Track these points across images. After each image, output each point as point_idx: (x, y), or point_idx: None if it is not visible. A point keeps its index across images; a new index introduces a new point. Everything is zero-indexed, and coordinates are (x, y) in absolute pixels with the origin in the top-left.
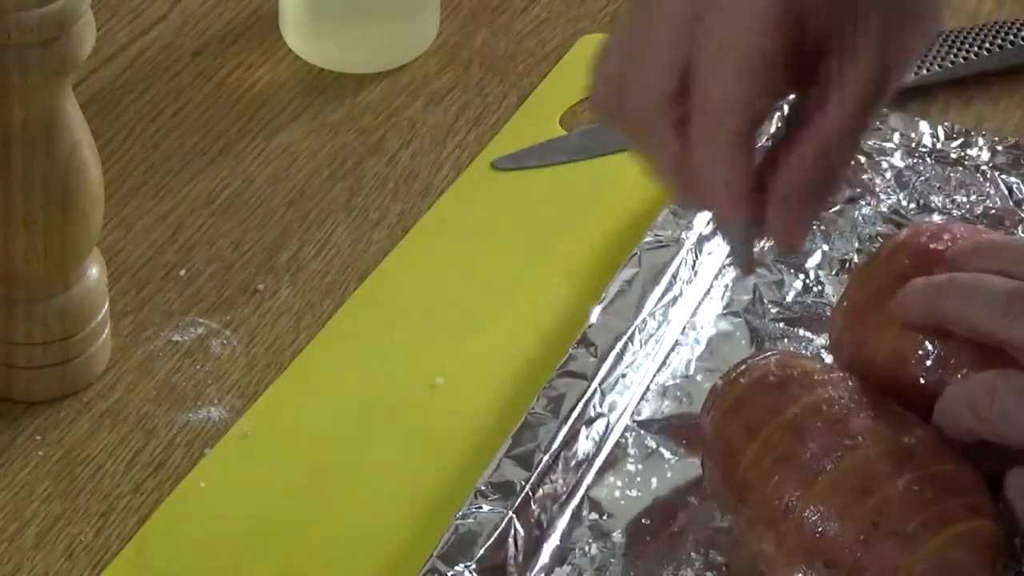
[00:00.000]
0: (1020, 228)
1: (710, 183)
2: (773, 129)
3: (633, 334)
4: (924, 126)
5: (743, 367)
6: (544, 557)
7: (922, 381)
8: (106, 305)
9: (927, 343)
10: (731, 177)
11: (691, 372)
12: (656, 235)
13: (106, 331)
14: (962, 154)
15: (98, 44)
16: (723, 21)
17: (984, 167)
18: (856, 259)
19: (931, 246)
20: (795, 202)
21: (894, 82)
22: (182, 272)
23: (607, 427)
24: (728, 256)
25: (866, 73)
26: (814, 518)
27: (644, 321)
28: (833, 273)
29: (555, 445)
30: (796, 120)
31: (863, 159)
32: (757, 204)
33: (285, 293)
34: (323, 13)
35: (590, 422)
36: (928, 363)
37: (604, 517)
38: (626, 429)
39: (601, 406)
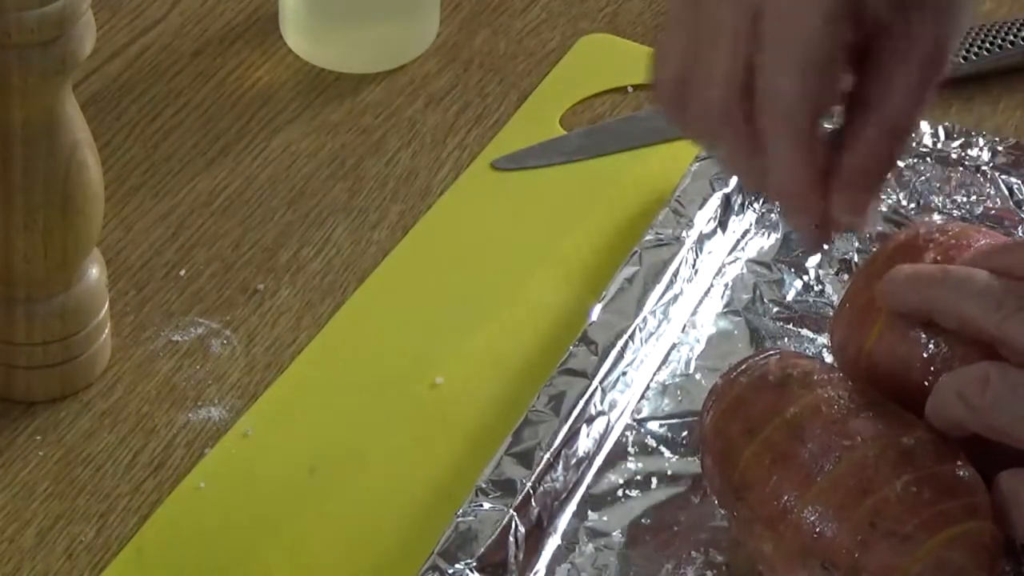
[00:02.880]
0: (1020, 228)
1: (779, 176)
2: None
3: (634, 332)
4: (924, 126)
5: (743, 366)
6: (544, 555)
7: (925, 386)
8: (106, 305)
9: (930, 347)
10: (800, 170)
11: (691, 371)
12: (656, 233)
13: (106, 331)
14: (962, 154)
15: (98, 44)
16: (784, 19)
17: (984, 167)
18: (856, 259)
19: (930, 247)
20: (863, 181)
21: (949, 58)
22: (182, 272)
23: (607, 425)
24: (729, 253)
25: (925, 50)
26: (812, 518)
27: (644, 319)
28: (833, 273)
29: (556, 443)
30: (855, 101)
31: None
32: (822, 188)
33: (285, 293)
34: (323, 13)
35: (590, 420)
36: (931, 368)
37: (604, 516)
38: (626, 427)
39: (602, 404)
